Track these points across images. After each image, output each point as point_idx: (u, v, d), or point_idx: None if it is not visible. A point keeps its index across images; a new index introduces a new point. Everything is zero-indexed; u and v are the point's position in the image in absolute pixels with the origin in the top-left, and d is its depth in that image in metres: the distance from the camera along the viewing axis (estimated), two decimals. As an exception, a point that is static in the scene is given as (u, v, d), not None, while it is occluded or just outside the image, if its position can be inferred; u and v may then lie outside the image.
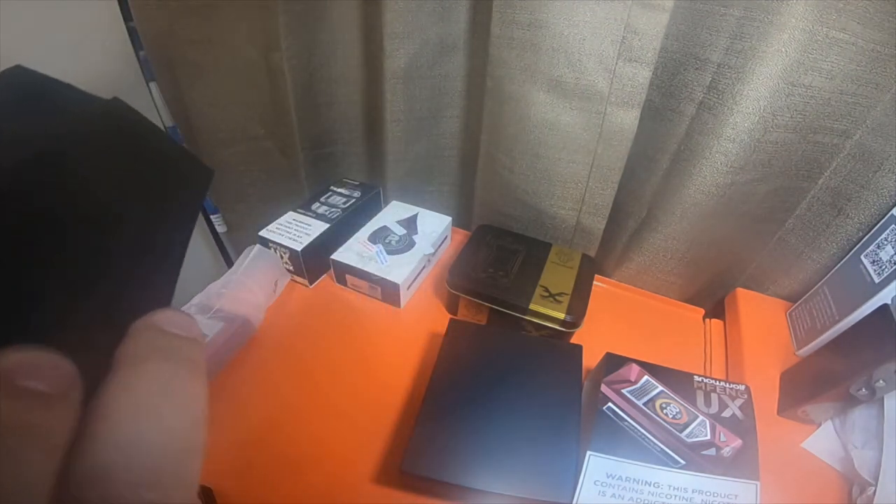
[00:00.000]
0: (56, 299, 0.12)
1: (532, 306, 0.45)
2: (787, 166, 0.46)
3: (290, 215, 0.55)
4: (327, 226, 0.54)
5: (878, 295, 0.40)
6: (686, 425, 0.36)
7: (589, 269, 0.51)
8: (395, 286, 0.50)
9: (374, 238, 0.55)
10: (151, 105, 0.63)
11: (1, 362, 0.10)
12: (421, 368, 0.46)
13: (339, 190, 0.61)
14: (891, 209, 0.43)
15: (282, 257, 0.52)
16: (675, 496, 0.32)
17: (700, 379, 0.39)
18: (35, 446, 0.10)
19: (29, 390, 0.10)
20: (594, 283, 0.52)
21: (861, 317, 0.41)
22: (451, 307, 0.51)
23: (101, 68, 0.58)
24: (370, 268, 0.50)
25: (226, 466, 0.37)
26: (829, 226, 0.49)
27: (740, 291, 0.56)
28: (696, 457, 0.34)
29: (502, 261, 0.50)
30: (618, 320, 0.54)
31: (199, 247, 0.85)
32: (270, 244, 0.52)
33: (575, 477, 0.33)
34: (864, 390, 0.36)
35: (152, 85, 0.61)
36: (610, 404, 0.37)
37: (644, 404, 0.37)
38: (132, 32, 0.57)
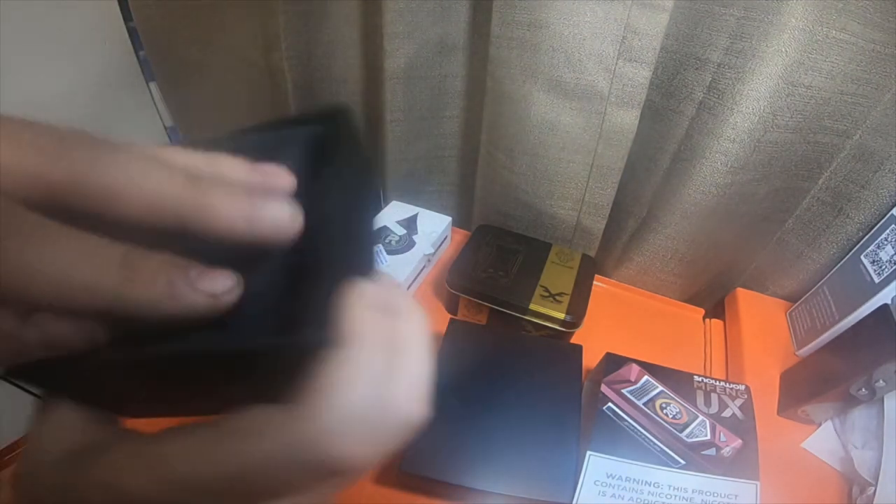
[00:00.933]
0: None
1: (532, 306, 0.45)
2: (787, 166, 0.46)
3: (290, 215, 0.55)
4: (327, 226, 0.54)
5: (878, 295, 0.40)
6: (686, 425, 0.36)
7: (589, 269, 0.51)
8: (395, 286, 0.50)
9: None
10: (151, 105, 0.63)
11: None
12: (421, 368, 0.46)
13: (339, 190, 0.61)
14: (891, 209, 0.43)
15: (282, 257, 0.52)
16: (675, 496, 0.32)
17: (700, 379, 0.39)
18: None
19: None
20: (594, 283, 0.52)
21: (861, 317, 0.41)
22: (451, 307, 0.51)
23: (101, 68, 0.59)
24: (370, 268, 0.50)
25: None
26: (829, 226, 0.49)
27: (740, 291, 0.56)
28: (696, 457, 0.34)
29: (502, 261, 0.50)
30: (618, 320, 0.54)
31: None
32: (270, 244, 0.52)
33: (575, 477, 0.33)
34: (864, 390, 0.36)
35: (152, 85, 0.61)
36: (610, 404, 0.37)
37: (644, 404, 0.37)
38: (132, 32, 0.57)
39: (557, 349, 0.42)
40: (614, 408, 0.36)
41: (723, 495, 0.32)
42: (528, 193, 0.55)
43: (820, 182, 0.49)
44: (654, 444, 0.35)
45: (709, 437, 0.35)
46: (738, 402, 0.37)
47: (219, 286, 0.12)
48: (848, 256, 0.46)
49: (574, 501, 0.32)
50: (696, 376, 0.39)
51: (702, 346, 0.52)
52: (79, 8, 0.54)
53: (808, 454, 0.41)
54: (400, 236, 0.55)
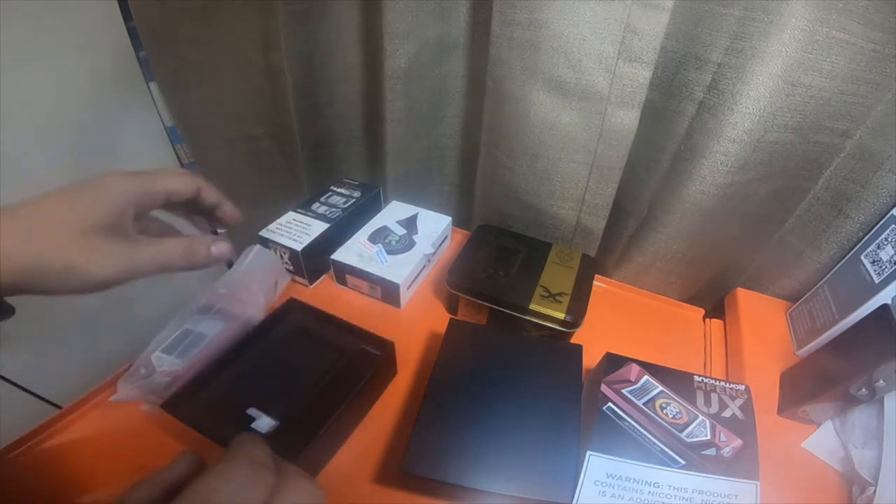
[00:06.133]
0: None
1: (532, 306, 0.45)
2: (787, 166, 0.46)
3: (290, 215, 0.55)
4: (327, 226, 0.54)
5: (878, 295, 0.40)
6: (686, 425, 0.36)
7: (589, 269, 0.51)
8: (395, 286, 0.50)
9: (374, 238, 0.55)
10: (151, 105, 0.63)
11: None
12: (421, 369, 0.46)
13: (339, 190, 0.61)
14: (891, 209, 0.43)
15: (282, 257, 0.52)
16: (675, 496, 0.32)
17: (700, 379, 0.39)
18: None
19: None
20: (594, 283, 0.52)
21: (861, 317, 0.41)
22: (451, 307, 0.51)
23: (101, 68, 0.58)
24: (370, 268, 0.50)
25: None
26: (829, 226, 0.49)
27: (740, 291, 0.56)
28: (696, 457, 0.34)
29: (502, 261, 0.50)
30: (618, 320, 0.54)
31: (199, 247, 0.85)
32: (270, 244, 0.52)
33: (575, 477, 0.33)
34: (864, 390, 0.36)
35: (152, 85, 0.61)
36: (610, 404, 0.37)
37: (644, 404, 0.37)
38: (132, 32, 0.57)
39: (557, 349, 0.42)
40: (614, 408, 0.36)
41: (723, 495, 0.32)
42: (528, 193, 0.55)
43: (820, 182, 0.49)
44: (654, 444, 0.35)
45: (709, 437, 0.35)
46: (738, 402, 0.37)
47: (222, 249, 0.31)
48: (848, 256, 0.46)
49: (574, 501, 0.32)
50: (696, 376, 0.39)
51: (702, 346, 0.52)
52: (79, 8, 0.53)
53: (808, 454, 0.41)
54: (400, 236, 0.55)
